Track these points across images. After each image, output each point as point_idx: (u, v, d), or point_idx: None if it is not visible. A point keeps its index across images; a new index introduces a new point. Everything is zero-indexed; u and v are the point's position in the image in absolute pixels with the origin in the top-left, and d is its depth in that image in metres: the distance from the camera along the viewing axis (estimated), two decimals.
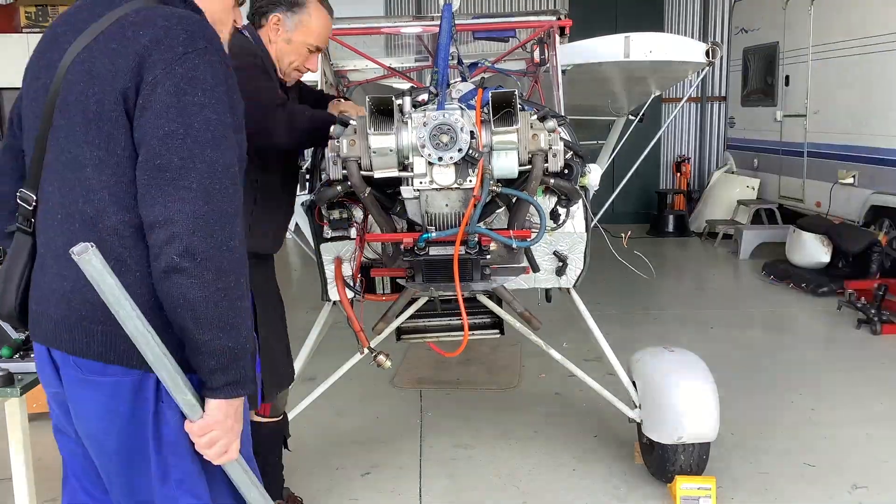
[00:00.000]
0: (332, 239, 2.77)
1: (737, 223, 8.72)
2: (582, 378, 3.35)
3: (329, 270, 2.86)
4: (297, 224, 3.78)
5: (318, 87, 3.27)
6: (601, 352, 3.31)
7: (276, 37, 2.64)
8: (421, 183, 2.35)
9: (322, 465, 3.53)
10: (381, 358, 2.84)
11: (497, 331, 3.69)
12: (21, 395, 2.18)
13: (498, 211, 2.69)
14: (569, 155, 2.58)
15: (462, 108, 2.33)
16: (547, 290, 3.42)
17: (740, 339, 5.43)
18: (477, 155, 2.30)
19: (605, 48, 3.52)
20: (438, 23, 3.05)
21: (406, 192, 2.43)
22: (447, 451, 3.70)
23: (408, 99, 2.31)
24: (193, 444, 1.57)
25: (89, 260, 1.39)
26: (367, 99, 2.31)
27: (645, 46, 3.39)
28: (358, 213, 2.71)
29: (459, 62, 3.49)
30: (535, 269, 2.83)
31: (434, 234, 2.48)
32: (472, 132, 2.29)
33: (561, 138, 2.49)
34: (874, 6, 6.72)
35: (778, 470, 3.45)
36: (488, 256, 2.52)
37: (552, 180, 2.53)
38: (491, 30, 3.76)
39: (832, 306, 6.02)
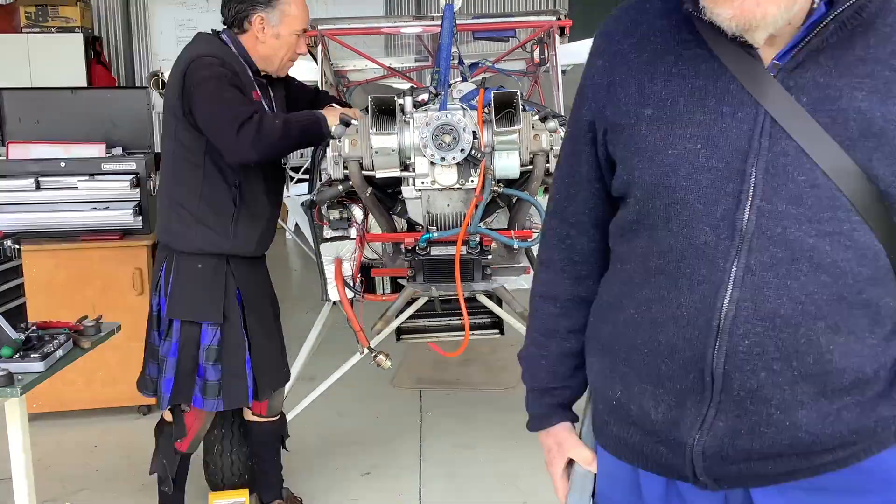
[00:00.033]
0: (332, 239, 2.76)
1: None
2: None
3: (329, 270, 2.85)
4: (297, 224, 3.76)
5: (319, 87, 3.26)
6: None
7: (264, 35, 2.62)
8: (423, 183, 2.35)
9: (322, 465, 3.53)
10: (381, 358, 2.84)
11: (497, 331, 3.69)
12: (21, 395, 2.17)
13: (498, 211, 2.70)
14: None
15: (464, 109, 2.33)
16: None
17: None
18: (479, 155, 2.31)
19: None
20: (439, 23, 3.05)
21: (407, 192, 2.43)
22: (447, 451, 3.70)
23: (409, 99, 2.31)
24: None
25: None
26: (370, 99, 2.31)
27: None
28: (358, 213, 2.71)
29: (460, 62, 3.49)
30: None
31: (436, 234, 2.49)
32: (474, 132, 2.29)
33: (562, 138, 2.49)
34: None
35: None
36: (489, 256, 2.52)
37: None
38: (491, 30, 3.76)
39: None
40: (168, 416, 2.79)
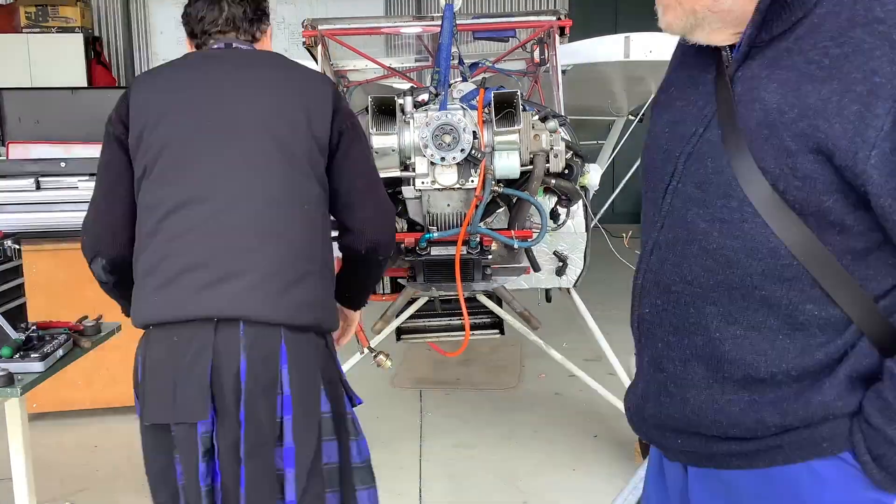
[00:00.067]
0: (333, 239, 2.76)
1: None
2: (582, 378, 3.35)
3: None
4: None
5: None
6: (601, 352, 3.30)
7: (270, 47, 2.26)
8: (423, 183, 2.36)
9: None
10: (381, 358, 2.84)
11: (497, 331, 3.69)
12: (21, 395, 2.17)
13: (498, 211, 2.70)
14: (569, 155, 2.59)
15: (464, 109, 2.33)
16: (547, 290, 3.42)
17: None
18: (479, 155, 2.31)
19: (605, 48, 3.52)
20: (439, 23, 3.05)
21: (408, 192, 2.43)
22: (447, 451, 3.70)
23: (409, 99, 2.31)
24: None
25: None
26: (370, 99, 2.32)
27: (645, 46, 3.40)
28: None
29: (460, 62, 3.49)
30: (536, 268, 2.83)
31: (436, 234, 2.49)
32: (474, 132, 2.30)
33: (562, 139, 2.49)
34: None
35: None
36: (489, 256, 2.52)
37: (553, 180, 2.53)
38: (491, 30, 3.76)
39: None
40: None
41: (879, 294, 1.12)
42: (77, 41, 9.01)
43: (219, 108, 1.93)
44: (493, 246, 2.57)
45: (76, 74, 8.78)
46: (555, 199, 2.74)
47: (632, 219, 10.98)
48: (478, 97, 2.37)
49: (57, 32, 8.91)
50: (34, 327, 2.42)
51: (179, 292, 1.79)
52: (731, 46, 1.20)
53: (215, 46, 2.05)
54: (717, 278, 1.15)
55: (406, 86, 3.51)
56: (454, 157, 2.28)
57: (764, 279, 1.12)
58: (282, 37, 8.72)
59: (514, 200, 2.56)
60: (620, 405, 3.29)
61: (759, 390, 1.16)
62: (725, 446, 1.19)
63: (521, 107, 2.31)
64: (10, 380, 2.15)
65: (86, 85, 8.72)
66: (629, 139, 4.35)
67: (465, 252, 2.45)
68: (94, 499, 3.28)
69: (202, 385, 1.75)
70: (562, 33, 3.49)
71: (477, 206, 2.35)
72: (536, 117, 2.42)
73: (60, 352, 2.34)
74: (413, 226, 2.76)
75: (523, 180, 2.44)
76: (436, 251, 2.51)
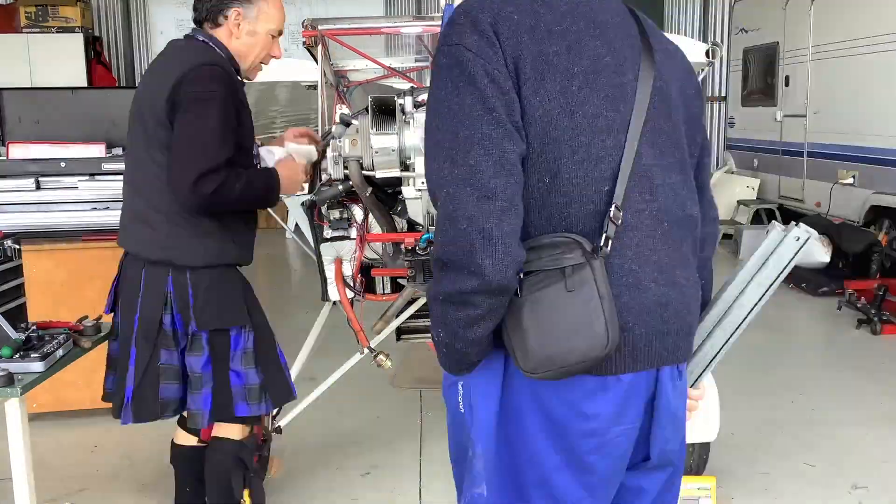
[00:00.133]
0: (332, 239, 2.76)
1: (737, 223, 8.72)
2: None
3: (329, 270, 2.85)
4: (296, 224, 3.75)
5: (318, 87, 3.26)
6: None
7: (239, 31, 2.49)
8: (423, 183, 2.35)
9: (322, 465, 3.52)
10: (381, 358, 2.84)
11: None
12: (21, 395, 2.17)
13: None
14: None
15: None
16: None
17: (740, 339, 5.39)
18: None
19: None
20: (439, 23, 3.05)
21: (408, 192, 2.43)
22: (447, 451, 3.69)
23: (409, 99, 2.31)
24: None
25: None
26: (370, 99, 2.31)
27: None
28: (358, 213, 2.71)
29: None
30: None
31: None
32: None
33: None
34: (874, 6, 6.72)
35: (778, 470, 3.45)
36: None
37: None
38: None
39: (832, 306, 6.01)
40: (235, 432, 2.58)
41: None
42: (77, 41, 9.02)
43: None
44: None
45: (76, 74, 8.79)
46: None
47: None
48: None
49: (57, 32, 8.92)
50: (34, 327, 2.43)
51: None
52: None
53: None
54: None
55: (406, 86, 3.51)
56: None
57: None
58: (282, 37, 8.72)
59: None
60: None
61: None
62: None
63: None
64: (10, 380, 2.15)
65: (86, 85, 8.73)
66: None
67: None
68: (94, 499, 3.28)
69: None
70: None
71: None
72: None
73: (60, 352, 2.34)
74: (413, 226, 2.76)
75: None
76: None
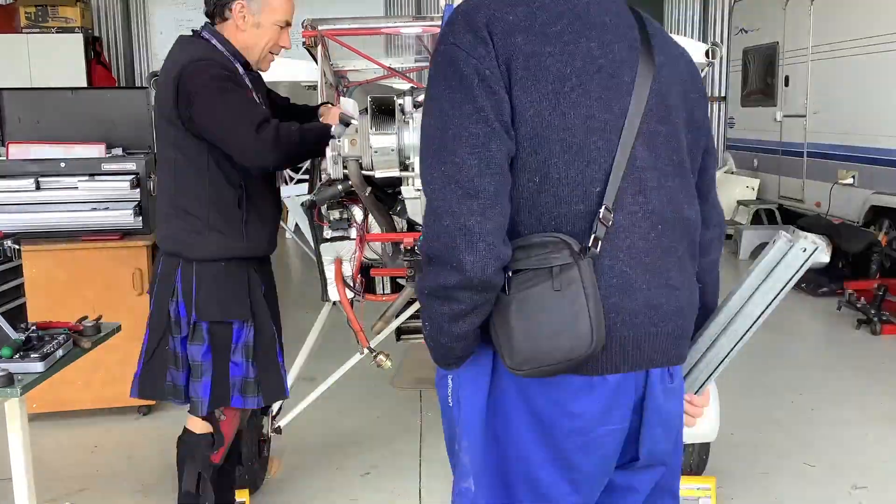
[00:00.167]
0: (332, 239, 2.76)
1: (737, 223, 8.72)
2: None
3: (329, 270, 2.85)
4: (297, 224, 3.74)
5: (318, 87, 3.26)
6: None
7: (244, 24, 2.54)
8: None
9: (322, 465, 3.53)
10: (381, 358, 2.84)
11: None
12: (21, 395, 2.17)
13: None
14: None
15: None
16: None
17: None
18: None
19: None
20: (439, 23, 3.05)
21: (407, 191, 2.43)
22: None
23: (409, 99, 2.31)
24: None
25: None
26: (369, 99, 2.31)
27: None
28: (358, 213, 2.71)
29: None
30: None
31: None
32: None
33: None
34: (874, 6, 6.72)
35: (778, 470, 3.46)
36: None
37: None
38: None
39: (832, 306, 6.02)
40: (198, 427, 2.64)
41: None
42: (77, 41, 9.02)
43: None
44: None
45: (76, 74, 8.79)
46: None
47: None
48: None
49: (57, 32, 8.92)
50: (34, 327, 2.42)
51: None
52: None
53: None
54: None
55: (406, 86, 3.51)
56: None
57: None
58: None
59: None
60: None
61: None
62: None
63: None
64: (10, 380, 2.15)
65: (86, 85, 8.73)
66: None
67: None
68: (94, 499, 3.28)
69: None
70: None
71: None
72: None
73: (60, 352, 2.34)
74: (413, 226, 2.76)
75: None
76: None
